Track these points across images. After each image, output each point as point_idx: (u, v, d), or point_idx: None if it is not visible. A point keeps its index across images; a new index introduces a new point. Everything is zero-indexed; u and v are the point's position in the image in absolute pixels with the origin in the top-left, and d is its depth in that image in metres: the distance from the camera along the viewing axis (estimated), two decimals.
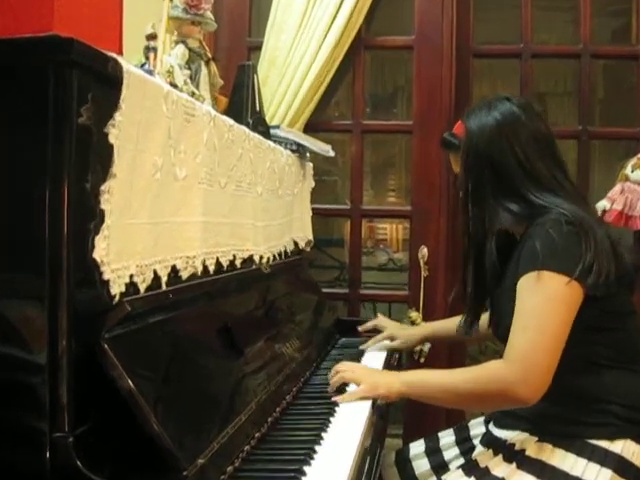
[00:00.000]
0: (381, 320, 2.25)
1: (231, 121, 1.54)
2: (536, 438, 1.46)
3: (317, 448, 1.26)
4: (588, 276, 1.36)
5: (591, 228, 1.40)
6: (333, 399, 1.52)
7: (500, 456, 1.50)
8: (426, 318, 2.58)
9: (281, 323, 1.81)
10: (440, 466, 1.75)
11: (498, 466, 1.48)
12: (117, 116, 1.00)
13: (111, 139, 0.99)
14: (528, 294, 1.38)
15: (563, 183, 1.52)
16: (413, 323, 2.59)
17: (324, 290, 2.58)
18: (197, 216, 1.34)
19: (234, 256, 1.57)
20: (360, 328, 2.27)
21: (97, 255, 0.98)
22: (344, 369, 1.60)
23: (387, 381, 1.52)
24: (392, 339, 2.14)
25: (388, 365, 1.99)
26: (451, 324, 1.96)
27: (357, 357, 2.04)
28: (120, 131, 1.00)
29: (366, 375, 1.58)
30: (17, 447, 0.93)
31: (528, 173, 1.50)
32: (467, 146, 1.57)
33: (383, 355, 2.07)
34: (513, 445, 1.49)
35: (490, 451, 1.55)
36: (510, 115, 1.54)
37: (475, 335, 1.74)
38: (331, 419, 1.42)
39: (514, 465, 1.45)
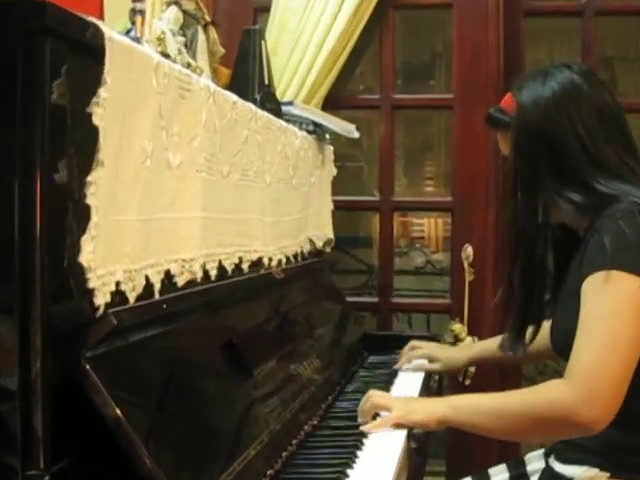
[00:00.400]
0: (415, 344, 2.21)
1: (234, 97, 1.54)
2: (607, 474, 1.45)
3: None
4: None
5: None
6: (361, 428, 1.52)
7: None
8: (472, 331, 2.57)
9: (297, 338, 1.81)
10: None
11: None
12: (101, 93, 1.00)
13: (95, 120, 0.99)
14: (594, 298, 1.37)
15: (635, 169, 1.51)
16: (457, 338, 2.57)
17: (349, 299, 2.58)
18: (195, 211, 1.35)
19: (240, 259, 1.58)
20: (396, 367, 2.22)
21: (83, 259, 0.98)
22: (377, 394, 1.60)
23: (426, 406, 1.52)
24: (431, 360, 2.14)
25: (427, 388, 1.99)
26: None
27: (389, 379, 2.04)
28: (105, 111, 1.01)
29: (400, 401, 1.58)
30: None
31: (592, 157, 1.49)
32: (518, 123, 1.56)
33: (420, 377, 2.06)
34: None
35: None
36: (570, 85, 1.54)
37: (535, 351, 1.73)
38: (358, 453, 1.42)
39: None
